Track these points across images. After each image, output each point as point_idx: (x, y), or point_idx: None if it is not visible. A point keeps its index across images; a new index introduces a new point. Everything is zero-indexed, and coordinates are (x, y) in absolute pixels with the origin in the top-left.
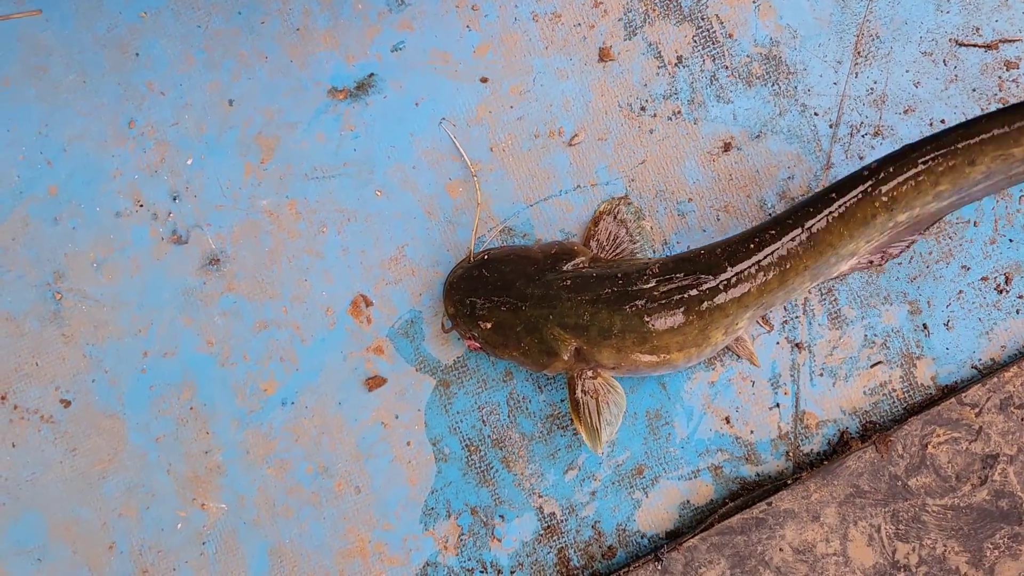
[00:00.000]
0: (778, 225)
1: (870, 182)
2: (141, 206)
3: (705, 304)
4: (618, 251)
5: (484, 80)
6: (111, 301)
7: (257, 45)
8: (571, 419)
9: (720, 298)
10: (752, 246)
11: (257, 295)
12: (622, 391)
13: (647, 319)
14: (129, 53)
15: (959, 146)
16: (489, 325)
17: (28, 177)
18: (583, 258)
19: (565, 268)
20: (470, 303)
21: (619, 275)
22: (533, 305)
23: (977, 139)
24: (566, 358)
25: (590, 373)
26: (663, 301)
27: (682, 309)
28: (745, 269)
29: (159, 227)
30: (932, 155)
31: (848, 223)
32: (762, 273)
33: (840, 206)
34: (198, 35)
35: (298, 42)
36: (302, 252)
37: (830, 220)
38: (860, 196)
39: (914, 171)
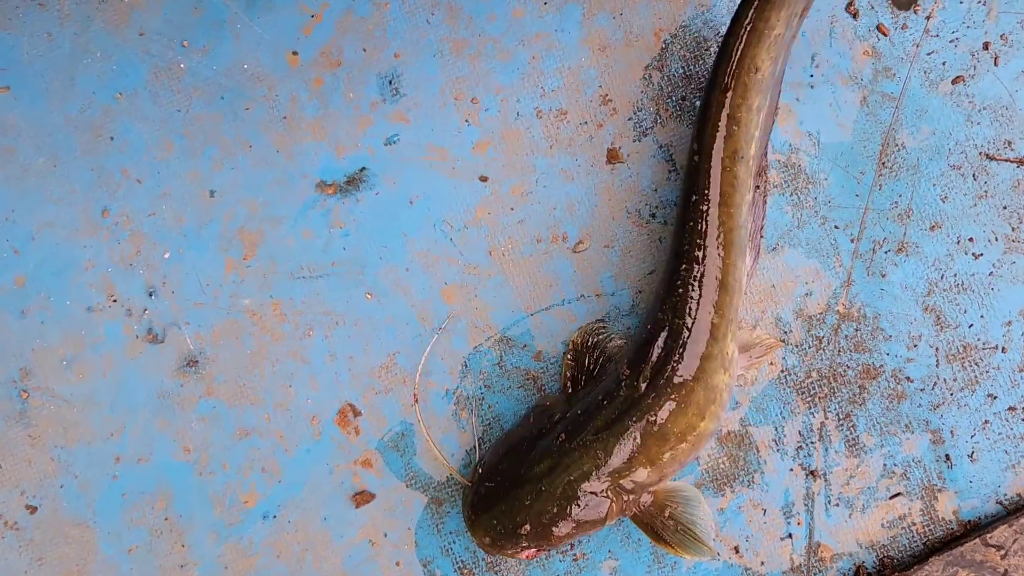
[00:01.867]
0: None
1: None
2: (115, 301)
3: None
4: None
5: (483, 179)
6: (81, 401)
7: (241, 133)
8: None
9: (698, 348)
10: (680, 289)
11: (238, 400)
12: (683, 483)
13: (654, 418)
14: (103, 136)
15: None
16: (528, 527)
17: None
18: (556, 406)
19: (549, 425)
20: (497, 523)
21: (601, 397)
22: (548, 477)
23: None
24: (614, 507)
25: (646, 498)
26: (654, 395)
27: (676, 385)
28: (688, 308)
29: (133, 324)
30: None
31: None
32: (706, 303)
33: None
34: (177, 119)
35: (285, 131)
36: (286, 356)
37: None
38: None
39: None
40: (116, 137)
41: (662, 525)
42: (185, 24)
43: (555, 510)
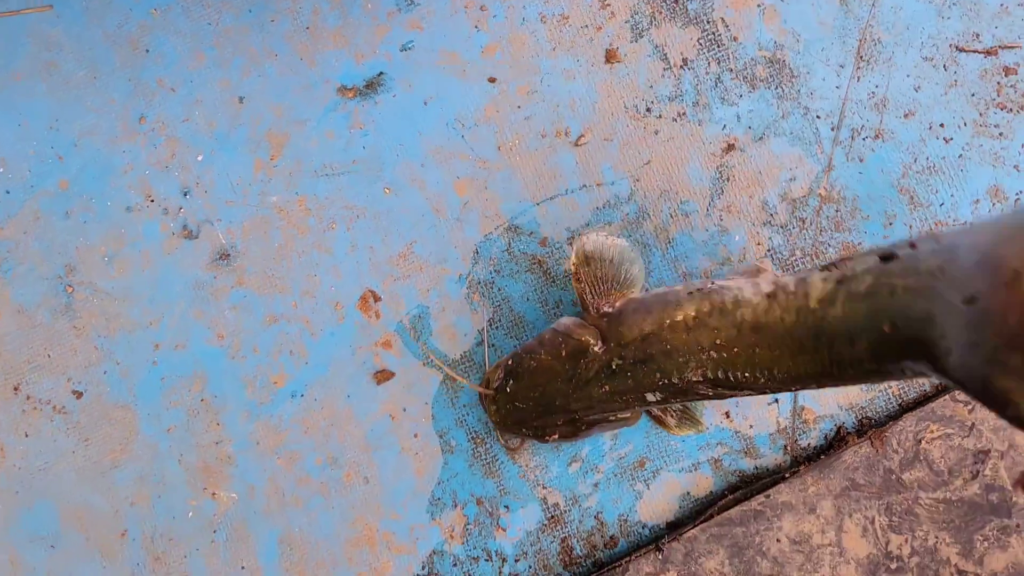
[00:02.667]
0: None
1: None
2: (152, 201)
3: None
4: (613, 284)
5: (492, 80)
6: (122, 294)
7: (267, 43)
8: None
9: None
10: None
11: (267, 289)
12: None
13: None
14: (140, 50)
15: None
16: (556, 436)
17: (39, 172)
18: (595, 344)
19: (588, 368)
20: (528, 431)
21: (657, 358)
22: (586, 412)
23: None
24: (631, 414)
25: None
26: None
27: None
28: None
29: (170, 222)
30: None
31: None
32: None
33: None
34: (208, 32)
35: (308, 40)
36: (311, 248)
37: None
38: None
39: None
40: (151, 50)
41: (668, 416)
42: None
43: (584, 429)
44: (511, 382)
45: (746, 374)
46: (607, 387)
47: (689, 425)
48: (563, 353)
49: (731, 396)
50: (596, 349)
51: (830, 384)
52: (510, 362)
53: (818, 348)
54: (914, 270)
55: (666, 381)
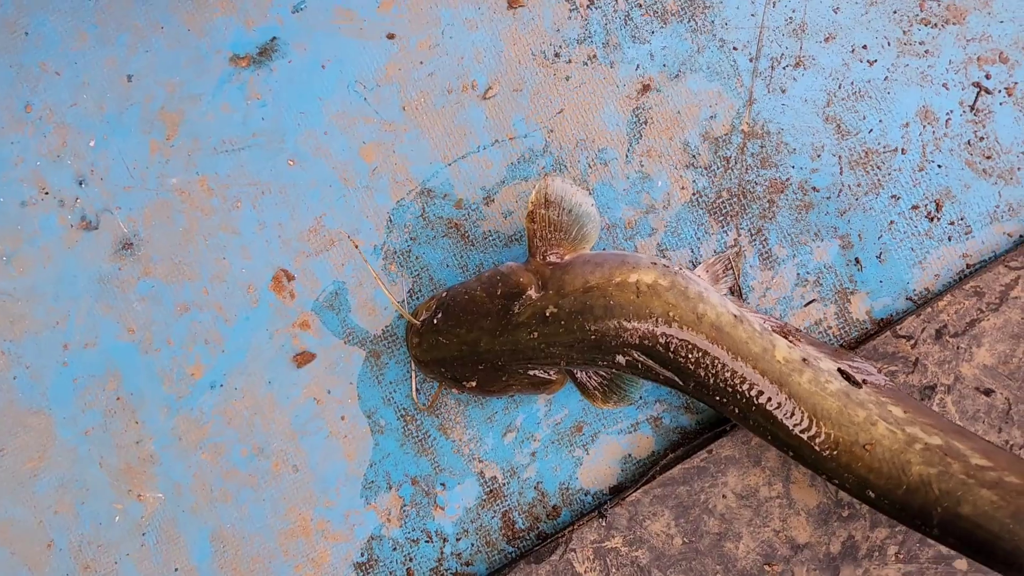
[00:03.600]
0: None
1: None
2: (47, 193)
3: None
4: (565, 237)
5: (391, 36)
6: (25, 294)
7: (151, 15)
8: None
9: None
10: None
11: (175, 277)
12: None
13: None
14: (18, 32)
15: None
16: (474, 384)
17: None
18: (531, 290)
19: (520, 312)
20: (446, 371)
21: (596, 312)
22: (510, 360)
23: None
24: (556, 377)
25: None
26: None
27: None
28: None
29: (67, 214)
30: None
31: None
32: None
33: None
34: (88, 9)
35: (194, 9)
36: (217, 229)
37: None
38: None
39: None
40: (31, 32)
41: (595, 387)
42: None
43: (504, 378)
44: (440, 315)
45: (689, 355)
46: (536, 334)
47: (617, 397)
48: (498, 292)
49: (654, 374)
50: (532, 294)
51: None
52: (444, 294)
53: (775, 390)
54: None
55: (597, 337)
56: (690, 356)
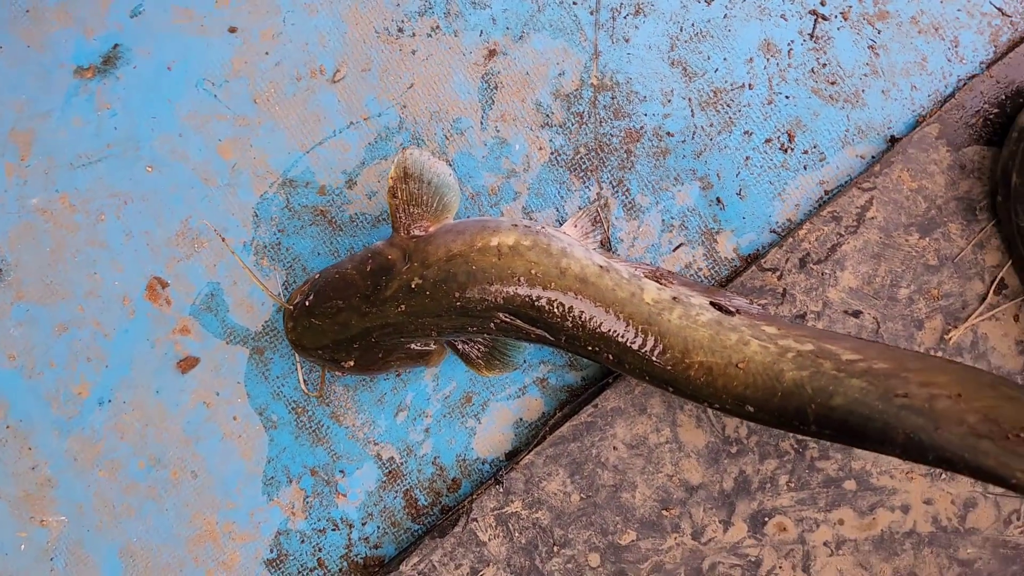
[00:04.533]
0: None
1: None
2: None
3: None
4: (427, 209)
5: (233, 30)
6: None
7: None
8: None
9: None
10: None
11: (49, 298)
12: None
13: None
14: None
15: None
16: (352, 363)
17: None
18: (397, 265)
19: (387, 286)
20: (323, 352)
21: (459, 278)
22: (382, 335)
23: None
24: (439, 352)
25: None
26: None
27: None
28: None
29: None
30: None
31: None
32: None
33: None
34: None
35: (31, 25)
36: (85, 245)
37: None
38: None
39: None
40: None
41: (477, 356)
42: None
43: (381, 356)
44: (312, 297)
45: (555, 310)
46: (403, 307)
47: (501, 364)
48: (367, 269)
49: (525, 333)
50: (399, 267)
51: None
52: (317, 276)
53: (645, 330)
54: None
55: (463, 304)
56: (556, 311)
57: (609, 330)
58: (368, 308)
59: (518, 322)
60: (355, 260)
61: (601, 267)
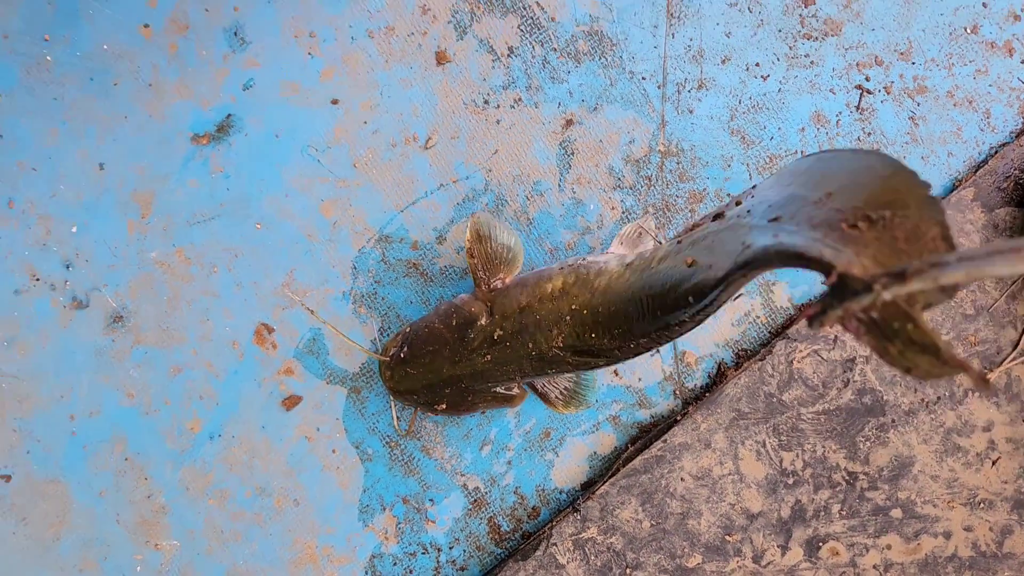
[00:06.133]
0: None
1: None
2: (38, 280)
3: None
4: (500, 263)
5: (335, 102)
6: (29, 374)
7: (115, 107)
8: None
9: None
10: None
11: (165, 342)
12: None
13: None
14: None
15: None
16: (444, 406)
17: None
18: (482, 317)
19: (474, 338)
20: (417, 397)
21: (530, 328)
22: (471, 381)
23: None
24: (518, 392)
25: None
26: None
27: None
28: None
29: (59, 296)
30: None
31: None
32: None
33: None
34: (56, 107)
35: (153, 97)
36: (199, 294)
37: None
38: None
39: None
40: (5, 134)
41: (556, 396)
42: (42, 19)
43: (470, 400)
44: (406, 349)
45: (593, 335)
46: (489, 356)
47: (575, 403)
48: (453, 323)
49: (588, 364)
50: (482, 321)
51: (654, 337)
52: (407, 330)
53: (646, 297)
54: (733, 217)
55: (537, 351)
56: (592, 334)
57: (623, 321)
58: (457, 358)
59: (577, 357)
60: (441, 314)
61: (627, 265)
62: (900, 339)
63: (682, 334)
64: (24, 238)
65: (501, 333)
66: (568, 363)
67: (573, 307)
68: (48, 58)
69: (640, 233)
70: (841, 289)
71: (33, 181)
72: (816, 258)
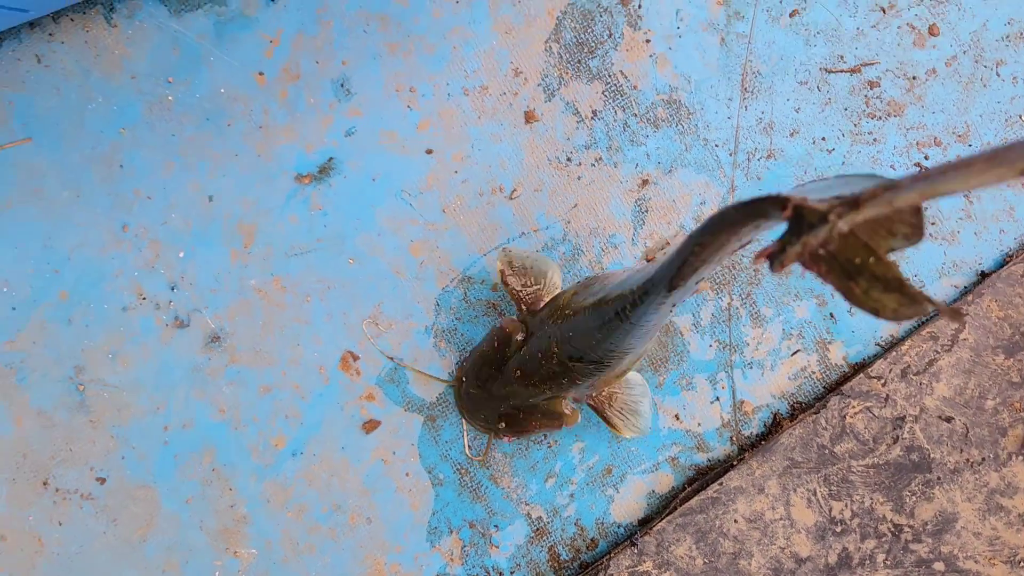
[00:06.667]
0: None
1: None
2: (144, 299)
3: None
4: (535, 291)
5: (429, 151)
6: (129, 386)
7: (227, 145)
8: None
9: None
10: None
11: (257, 363)
12: (634, 377)
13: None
14: (114, 166)
15: None
16: (503, 425)
17: (39, 287)
18: (518, 334)
19: (510, 355)
20: (483, 418)
21: (543, 340)
22: (515, 398)
23: None
24: (568, 412)
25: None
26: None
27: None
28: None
29: (162, 315)
30: None
31: None
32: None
33: None
34: (173, 143)
35: (262, 138)
36: (291, 321)
37: None
38: None
39: None
40: (125, 165)
41: (610, 412)
42: (168, 63)
43: (523, 418)
44: (467, 372)
45: (579, 343)
46: (519, 371)
47: (634, 428)
48: (495, 343)
49: (583, 375)
50: (517, 338)
51: (618, 344)
52: (467, 356)
53: (616, 297)
54: None
55: (559, 362)
56: (580, 342)
57: (598, 328)
58: (500, 376)
59: (573, 364)
60: (487, 337)
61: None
62: (864, 276)
63: (662, 318)
64: (135, 260)
65: (527, 348)
66: (573, 375)
67: (567, 312)
68: (169, 98)
69: (666, 250)
70: (798, 223)
71: (147, 208)
72: (772, 196)
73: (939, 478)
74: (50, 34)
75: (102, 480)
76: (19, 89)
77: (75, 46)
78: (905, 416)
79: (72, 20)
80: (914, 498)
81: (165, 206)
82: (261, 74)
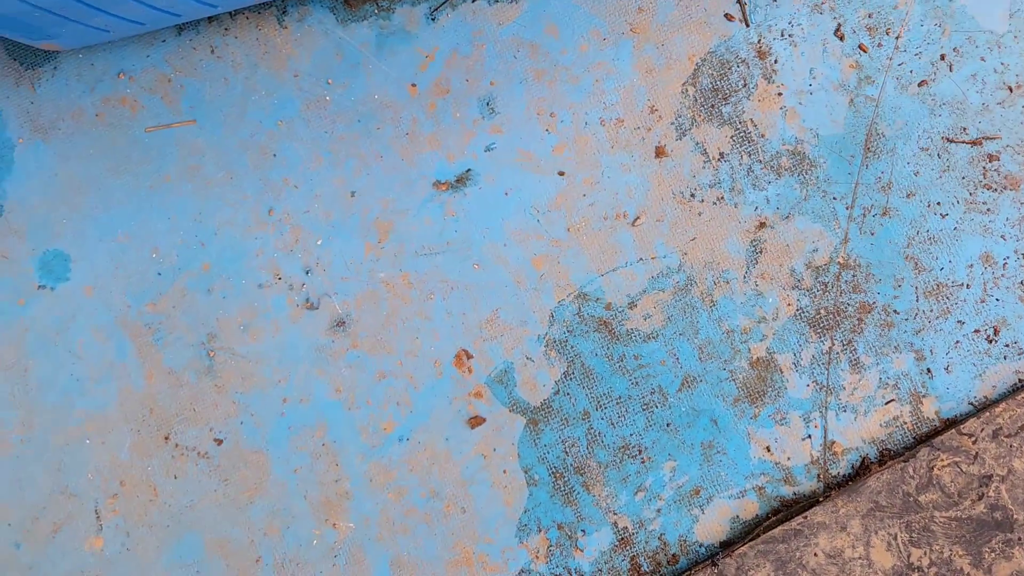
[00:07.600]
0: None
1: None
2: (279, 279)
3: None
4: None
5: (561, 174)
6: (255, 357)
7: (374, 147)
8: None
9: None
10: None
11: (377, 351)
12: None
13: None
14: (268, 154)
15: None
16: None
17: (185, 256)
18: None
19: None
20: None
21: None
22: None
23: None
24: None
25: None
26: None
27: None
28: None
29: (295, 296)
30: None
31: None
32: None
33: None
34: (325, 139)
35: (408, 144)
36: (414, 315)
37: None
38: None
39: None
40: (278, 154)
41: None
42: (329, 66)
43: None
44: None
45: None
46: None
47: None
48: None
49: None
50: None
51: None
52: None
53: None
54: None
55: None
56: None
57: None
58: None
59: None
60: None
61: None
62: None
63: None
64: (276, 242)
65: None
66: None
67: None
68: (327, 98)
69: None
70: None
71: (293, 196)
72: None
73: (1020, 539)
74: (226, 28)
75: (219, 441)
76: (191, 75)
77: (247, 42)
78: (992, 475)
79: (247, 18)
80: (993, 555)
81: (310, 196)
82: (414, 85)
